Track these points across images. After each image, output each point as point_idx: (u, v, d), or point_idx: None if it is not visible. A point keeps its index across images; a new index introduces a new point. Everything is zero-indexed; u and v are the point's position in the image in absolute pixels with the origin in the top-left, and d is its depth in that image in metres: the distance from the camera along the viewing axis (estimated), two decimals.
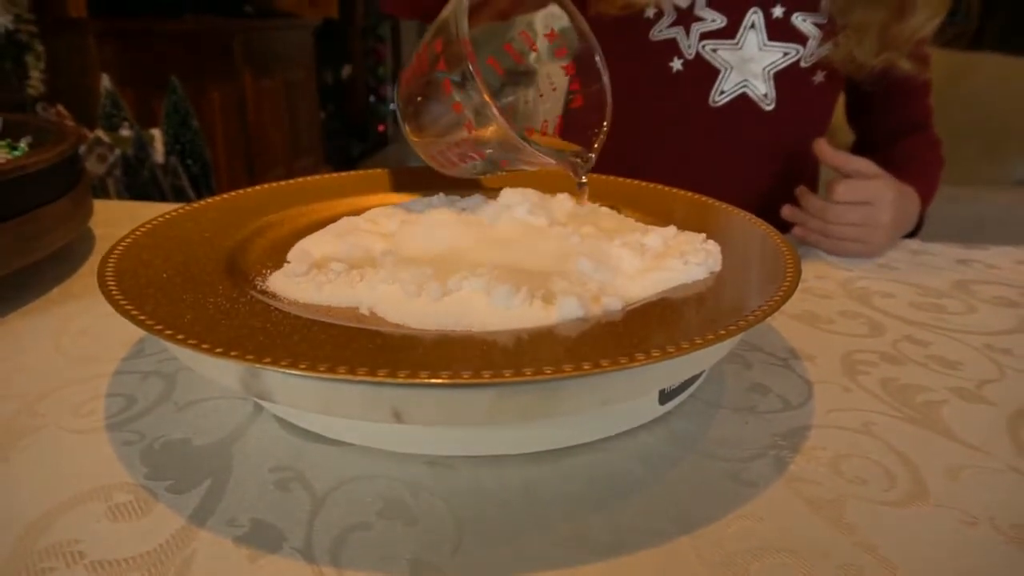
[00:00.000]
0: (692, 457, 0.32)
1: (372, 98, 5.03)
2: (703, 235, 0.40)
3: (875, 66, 0.66)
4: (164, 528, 0.27)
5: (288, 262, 0.38)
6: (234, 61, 2.96)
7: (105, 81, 1.81)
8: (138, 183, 1.57)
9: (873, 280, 0.55)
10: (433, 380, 0.25)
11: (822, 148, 0.60)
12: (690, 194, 0.51)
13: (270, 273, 0.37)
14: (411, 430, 0.31)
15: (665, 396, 0.34)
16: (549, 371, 0.26)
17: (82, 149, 1.76)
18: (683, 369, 0.31)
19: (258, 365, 0.26)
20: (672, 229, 0.42)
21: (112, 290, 0.31)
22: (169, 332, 0.28)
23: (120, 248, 0.37)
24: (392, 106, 5.26)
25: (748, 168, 0.72)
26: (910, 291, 0.53)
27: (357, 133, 4.48)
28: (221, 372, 0.29)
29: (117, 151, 1.71)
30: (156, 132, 1.78)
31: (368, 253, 0.39)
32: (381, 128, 5.04)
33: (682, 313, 0.32)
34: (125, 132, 1.76)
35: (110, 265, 0.34)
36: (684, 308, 0.33)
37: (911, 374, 0.40)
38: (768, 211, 0.65)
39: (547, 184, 0.46)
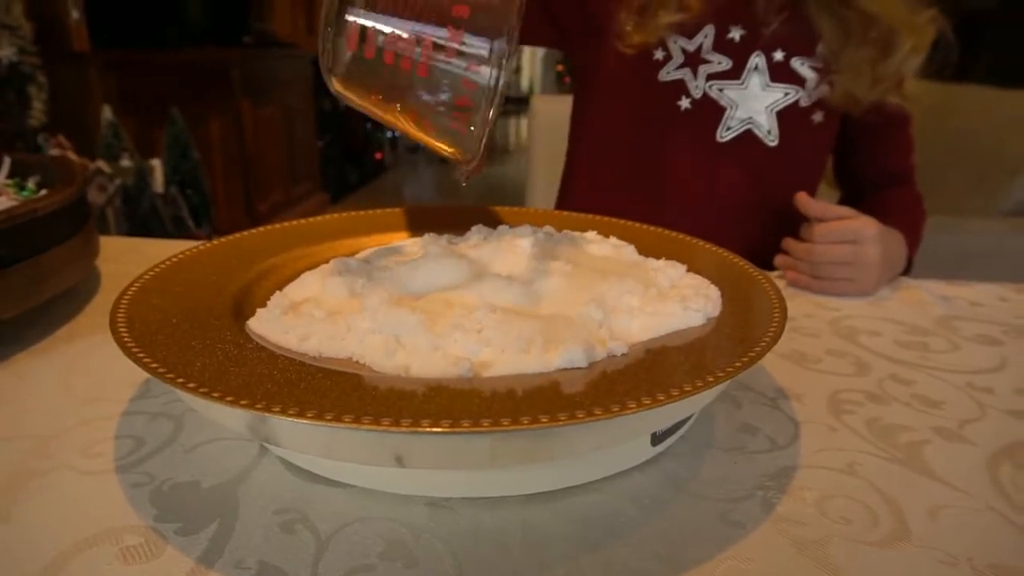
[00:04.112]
0: (683, 498, 0.33)
1: (369, 125, 5.09)
2: (706, 281, 0.42)
3: (870, 100, 0.70)
4: (174, 571, 0.28)
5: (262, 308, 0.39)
6: (233, 90, 3.01)
7: (106, 112, 1.83)
8: (138, 213, 1.59)
9: (860, 318, 0.57)
10: (434, 429, 0.26)
11: (802, 200, 0.63)
12: (686, 238, 0.53)
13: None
14: (412, 472, 0.32)
15: (657, 438, 0.35)
16: (545, 420, 0.27)
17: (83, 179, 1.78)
18: (672, 414, 0.32)
19: (267, 414, 0.27)
20: (681, 268, 0.43)
21: (125, 338, 0.32)
22: (181, 380, 0.29)
23: (129, 294, 0.39)
24: (389, 134, 5.31)
25: (753, 201, 0.75)
26: (896, 329, 0.55)
27: (354, 160, 4.52)
28: (229, 417, 0.31)
29: (117, 181, 1.72)
30: (156, 162, 1.80)
31: (353, 292, 0.40)
32: (378, 156, 5.08)
33: (674, 360, 0.33)
34: (125, 162, 1.78)
35: (121, 312, 0.36)
36: (677, 355, 0.34)
37: (895, 414, 0.42)
38: (770, 245, 0.68)
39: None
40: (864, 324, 0.56)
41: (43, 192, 0.60)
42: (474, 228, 0.50)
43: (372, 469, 0.32)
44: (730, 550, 0.30)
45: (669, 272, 0.42)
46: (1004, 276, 1.65)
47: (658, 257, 0.47)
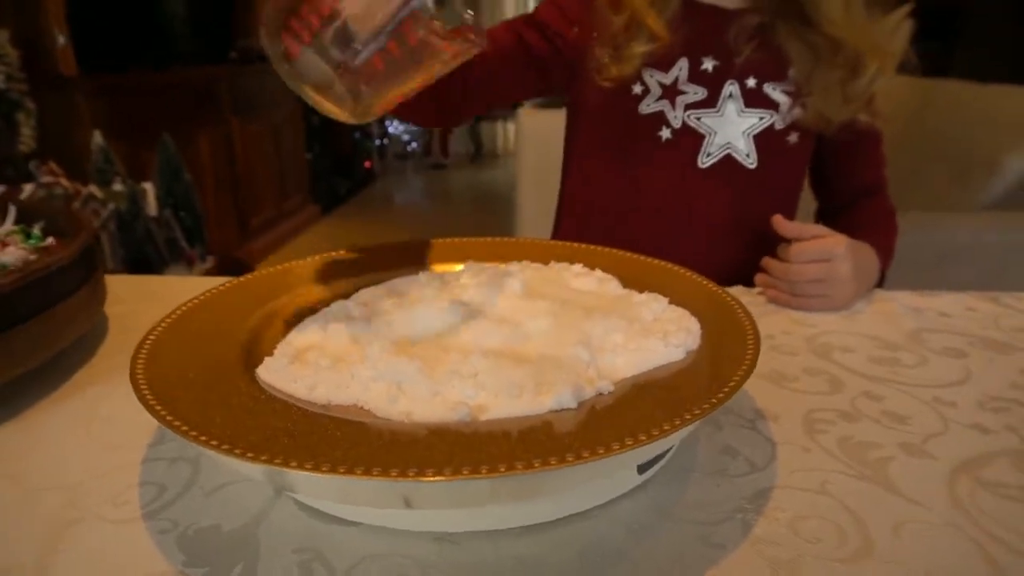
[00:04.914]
0: (668, 522, 0.36)
1: (357, 134, 5.11)
2: (687, 313, 0.45)
3: (841, 119, 0.74)
4: None
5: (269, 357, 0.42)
6: (221, 107, 3.02)
7: (97, 137, 1.85)
8: (133, 238, 1.61)
9: (835, 334, 0.60)
10: (438, 478, 0.29)
11: (778, 222, 0.67)
12: (669, 266, 0.55)
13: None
14: (418, 511, 0.35)
15: (643, 467, 0.38)
16: (538, 464, 0.30)
17: (76, 205, 1.79)
18: (654, 450, 0.35)
19: (285, 468, 0.30)
20: (664, 301, 0.46)
21: (148, 398, 0.35)
22: (204, 439, 0.32)
23: (145, 350, 0.41)
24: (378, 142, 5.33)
25: (734, 221, 0.78)
26: (869, 344, 0.58)
27: (343, 171, 4.54)
28: (250, 469, 0.33)
29: (111, 206, 1.74)
30: (148, 186, 1.82)
31: (355, 341, 0.43)
32: (368, 164, 5.10)
33: (656, 398, 0.36)
34: (118, 187, 1.80)
35: (140, 371, 0.38)
36: (658, 393, 0.37)
37: (865, 431, 0.45)
38: (751, 261, 0.71)
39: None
40: (839, 340, 0.59)
41: (49, 239, 0.62)
42: (466, 266, 0.53)
43: (381, 511, 0.35)
44: (711, 571, 0.33)
45: (652, 306, 0.45)
46: (982, 271, 1.68)
47: (643, 286, 0.50)
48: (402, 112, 0.72)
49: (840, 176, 0.84)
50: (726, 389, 0.35)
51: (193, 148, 2.74)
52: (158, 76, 2.70)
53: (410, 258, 0.59)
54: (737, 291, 0.69)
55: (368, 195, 4.64)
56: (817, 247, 0.64)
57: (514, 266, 0.50)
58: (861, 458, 0.42)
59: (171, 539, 0.35)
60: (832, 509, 0.37)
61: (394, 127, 5.63)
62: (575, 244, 0.60)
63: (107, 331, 0.61)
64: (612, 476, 0.36)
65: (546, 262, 0.55)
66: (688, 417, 0.33)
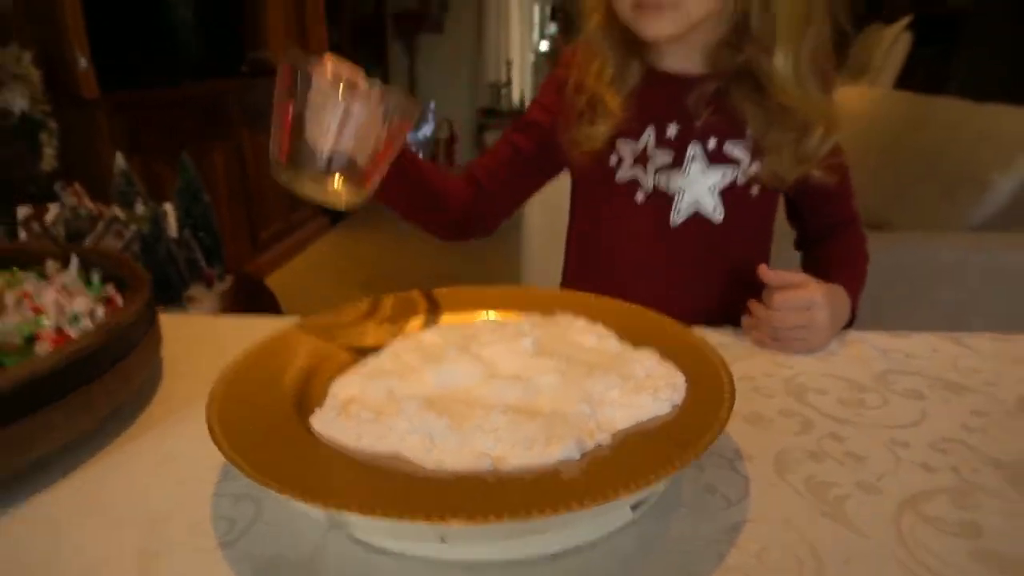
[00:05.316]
0: (656, 554, 0.44)
1: None
2: (674, 368, 0.52)
3: (793, 177, 0.81)
4: None
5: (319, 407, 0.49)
6: (232, 120, 3.11)
7: (119, 160, 1.93)
8: (155, 259, 1.68)
9: (810, 375, 0.67)
10: (467, 524, 0.36)
11: (762, 271, 0.74)
12: (662, 319, 0.63)
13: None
14: (451, 545, 0.42)
15: (635, 507, 0.45)
16: (549, 510, 0.37)
17: (100, 227, 1.87)
18: (644, 494, 0.42)
19: (347, 512, 0.37)
20: (655, 358, 0.54)
21: (229, 452, 0.42)
22: (277, 486, 0.39)
23: (216, 406, 0.48)
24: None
25: (707, 270, 0.86)
26: (840, 386, 0.65)
27: None
28: (313, 511, 0.41)
29: (133, 227, 1.82)
30: (168, 207, 1.89)
31: (392, 395, 0.51)
32: None
33: (646, 449, 0.44)
34: (140, 208, 1.87)
35: (216, 427, 0.45)
36: (648, 444, 0.44)
37: (827, 471, 0.52)
38: (724, 303, 0.78)
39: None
40: (814, 382, 0.66)
41: (108, 287, 0.70)
42: (481, 321, 0.60)
43: (420, 544, 0.43)
44: None
45: (645, 363, 0.52)
46: (969, 291, 1.74)
47: (637, 338, 0.58)
48: (433, 230, 0.89)
49: (811, 214, 0.92)
50: (700, 447, 0.42)
51: (207, 163, 2.83)
52: (173, 91, 2.78)
53: (433, 306, 0.66)
54: (724, 332, 0.77)
55: (376, 207, 4.70)
56: (798, 298, 0.72)
57: (525, 324, 0.58)
58: (822, 496, 0.49)
59: (248, 567, 0.42)
60: (794, 542, 0.45)
61: None
62: (580, 295, 0.68)
63: (160, 375, 0.68)
64: (609, 514, 0.43)
65: (552, 313, 0.63)
66: (672, 467, 0.40)
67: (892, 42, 3.84)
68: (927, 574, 0.42)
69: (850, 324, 0.81)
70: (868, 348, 0.73)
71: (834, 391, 0.64)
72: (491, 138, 5.73)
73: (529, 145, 0.90)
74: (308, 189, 0.59)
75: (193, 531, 0.46)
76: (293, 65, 0.57)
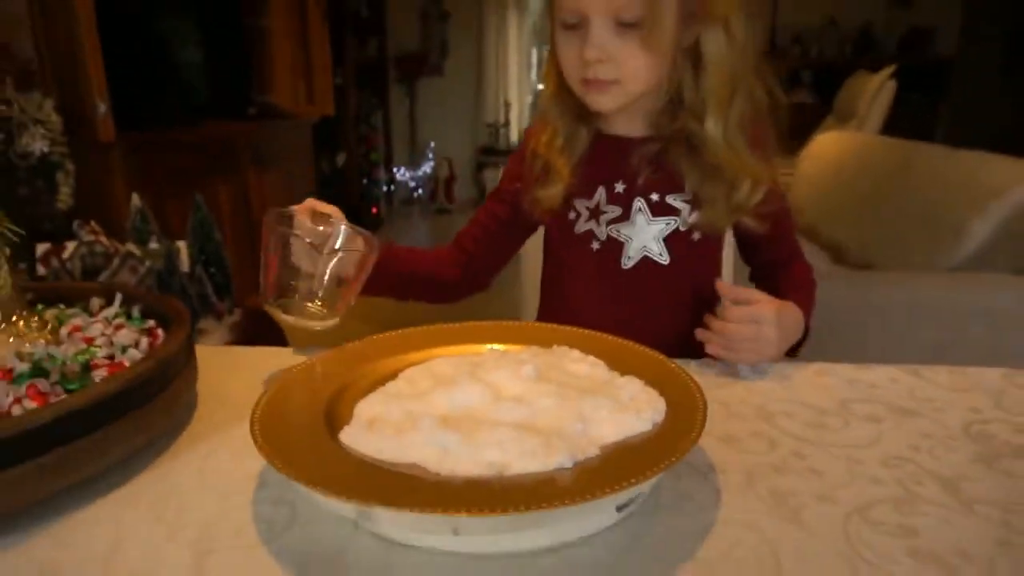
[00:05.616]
0: (641, 548, 0.51)
1: (365, 181, 5.32)
2: (656, 393, 0.60)
3: (726, 224, 0.94)
4: None
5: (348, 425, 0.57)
6: (240, 161, 3.22)
7: (135, 199, 2.02)
8: (169, 293, 1.76)
9: (780, 402, 0.75)
10: (477, 515, 0.44)
11: (720, 286, 0.85)
12: (645, 350, 0.71)
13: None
14: (463, 537, 0.50)
15: (620, 508, 0.53)
16: (546, 505, 0.45)
17: (116, 262, 1.96)
18: (628, 495, 0.50)
19: (374, 506, 0.45)
20: (639, 384, 0.61)
21: (277, 463, 0.50)
22: (321, 488, 0.47)
23: (257, 424, 0.56)
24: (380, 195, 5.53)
25: (657, 311, 0.97)
26: (806, 411, 0.73)
27: (352, 216, 4.69)
28: (344, 509, 0.48)
29: (147, 263, 1.90)
30: (182, 244, 1.98)
31: (410, 414, 0.58)
32: (374, 210, 5.30)
33: (629, 459, 0.51)
34: (154, 245, 1.96)
35: (261, 443, 0.53)
36: (631, 455, 0.52)
37: (789, 484, 0.59)
38: (681, 341, 0.88)
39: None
40: (782, 407, 0.74)
41: (150, 322, 0.78)
42: (487, 351, 0.68)
43: (435, 536, 0.50)
44: None
45: (629, 388, 0.60)
46: (946, 329, 1.82)
47: (624, 367, 0.66)
48: (430, 301, 1.04)
49: (757, 252, 1.03)
50: (675, 456, 0.50)
51: (215, 200, 2.92)
52: (184, 133, 2.89)
53: (441, 339, 0.74)
54: (698, 364, 0.85)
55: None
56: (750, 313, 0.81)
57: (526, 354, 0.66)
58: (783, 504, 0.56)
59: (287, 560, 0.50)
60: (757, 542, 0.52)
61: (401, 173, 5.85)
62: (574, 330, 0.76)
63: (196, 401, 0.76)
64: (598, 513, 0.51)
65: (550, 345, 0.71)
66: (651, 473, 0.48)
67: (878, 89, 4.00)
68: (865, 566, 0.49)
69: (803, 339, 0.90)
70: (835, 378, 0.81)
71: (800, 415, 0.72)
72: (489, 176, 5.87)
73: (505, 210, 1.03)
74: (290, 319, 0.74)
75: (238, 532, 0.53)
76: (273, 224, 0.74)
